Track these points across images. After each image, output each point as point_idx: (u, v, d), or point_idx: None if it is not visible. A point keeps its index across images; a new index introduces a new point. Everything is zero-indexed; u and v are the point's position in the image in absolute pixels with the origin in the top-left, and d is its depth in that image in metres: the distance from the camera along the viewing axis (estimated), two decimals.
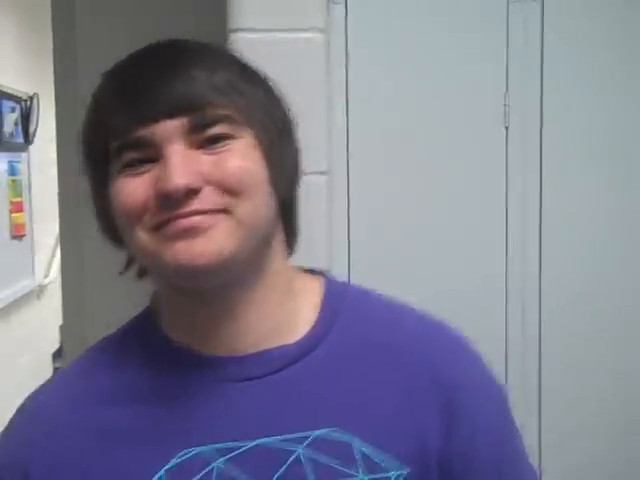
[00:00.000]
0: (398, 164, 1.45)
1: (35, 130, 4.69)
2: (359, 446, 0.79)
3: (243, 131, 0.80)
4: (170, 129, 0.76)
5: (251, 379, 0.82)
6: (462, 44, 1.46)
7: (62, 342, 4.25)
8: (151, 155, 0.77)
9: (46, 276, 5.08)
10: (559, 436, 1.54)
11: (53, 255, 5.01)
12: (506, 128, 1.46)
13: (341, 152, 1.43)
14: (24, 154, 4.71)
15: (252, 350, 0.83)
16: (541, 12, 1.45)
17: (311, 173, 1.38)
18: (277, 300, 0.85)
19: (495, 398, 0.88)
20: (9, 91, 4.49)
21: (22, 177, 4.69)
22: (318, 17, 1.38)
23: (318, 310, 0.87)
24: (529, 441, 1.45)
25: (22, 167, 4.70)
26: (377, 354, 0.85)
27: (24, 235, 4.71)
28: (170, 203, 0.76)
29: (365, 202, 1.44)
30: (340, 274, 1.42)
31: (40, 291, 5.04)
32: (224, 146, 0.78)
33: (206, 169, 0.77)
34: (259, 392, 0.82)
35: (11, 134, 4.54)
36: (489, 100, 1.46)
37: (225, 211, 0.77)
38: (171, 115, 0.76)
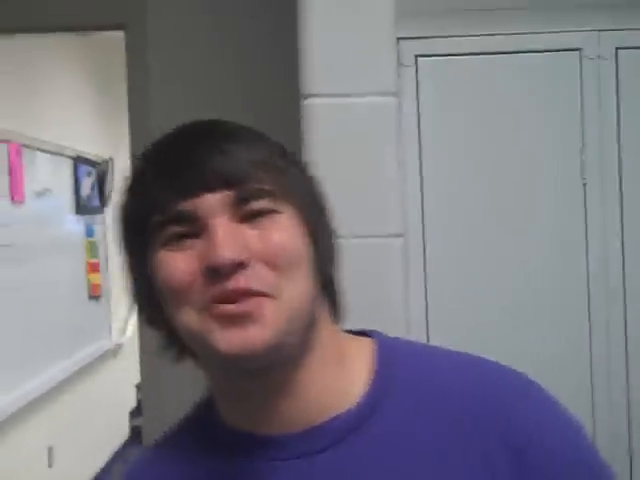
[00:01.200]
0: (474, 225, 1.43)
1: (110, 193, 4.82)
2: None
3: (285, 207, 0.79)
4: (213, 202, 0.76)
5: (306, 455, 0.80)
6: (536, 101, 1.44)
7: (139, 400, 4.27)
8: (194, 229, 0.77)
9: (122, 335, 5.16)
10: None
11: (129, 313, 5.10)
12: (584, 185, 1.43)
13: (416, 215, 1.42)
14: (100, 216, 4.85)
15: (306, 425, 0.81)
16: (615, 68, 1.43)
17: (386, 236, 1.37)
18: (328, 372, 0.82)
19: (573, 442, 0.80)
20: (86, 156, 4.65)
21: (98, 239, 4.82)
22: (389, 81, 1.38)
23: (370, 375, 0.83)
24: None
25: (98, 229, 4.84)
26: (436, 417, 0.80)
27: (100, 295, 4.81)
28: (218, 277, 0.74)
29: (442, 264, 1.42)
30: (418, 338, 1.40)
31: (116, 350, 5.12)
32: (268, 220, 0.78)
33: (252, 242, 0.76)
34: (315, 469, 0.79)
35: (88, 197, 4.68)
36: (566, 156, 1.43)
37: (271, 296, 0.76)
38: (213, 189, 0.76)
